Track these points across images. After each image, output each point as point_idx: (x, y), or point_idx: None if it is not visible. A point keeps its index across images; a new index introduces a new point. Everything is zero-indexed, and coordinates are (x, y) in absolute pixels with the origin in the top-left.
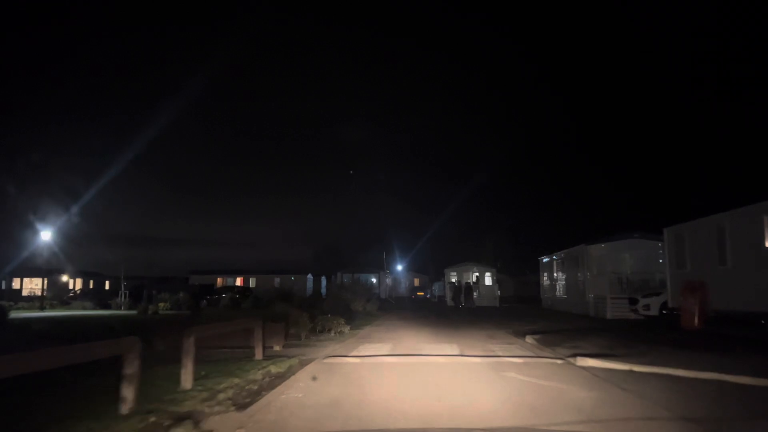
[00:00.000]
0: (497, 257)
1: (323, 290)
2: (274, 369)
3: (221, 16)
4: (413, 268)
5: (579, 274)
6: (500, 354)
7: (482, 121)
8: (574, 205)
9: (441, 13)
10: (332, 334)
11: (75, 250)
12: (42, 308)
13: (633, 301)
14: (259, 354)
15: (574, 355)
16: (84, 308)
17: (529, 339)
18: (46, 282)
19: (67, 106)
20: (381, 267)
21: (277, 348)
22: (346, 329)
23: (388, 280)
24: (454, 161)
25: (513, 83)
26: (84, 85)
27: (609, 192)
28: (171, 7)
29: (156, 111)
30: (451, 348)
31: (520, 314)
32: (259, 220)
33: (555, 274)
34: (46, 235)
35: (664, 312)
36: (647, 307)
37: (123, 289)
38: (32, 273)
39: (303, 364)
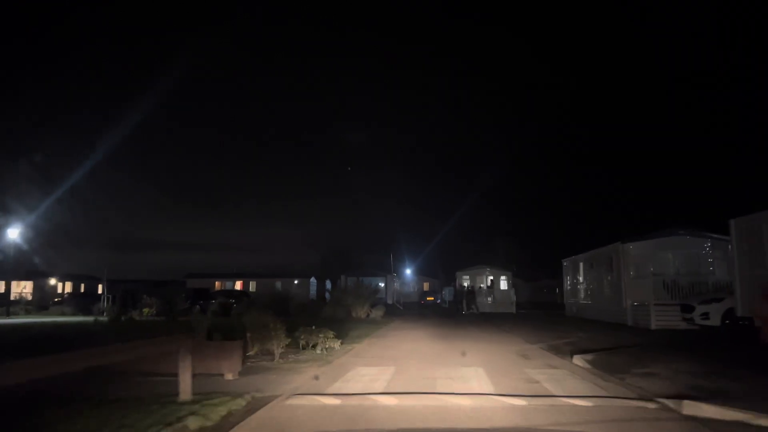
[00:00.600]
0: (510, 261)
1: (327, 295)
2: (194, 423)
3: (224, 16)
4: (423, 272)
5: (610, 277)
6: (552, 390)
7: (491, 123)
8: (583, 209)
9: (447, 14)
10: (318, 351)
11: (71, 253)
12: (8, 314)
13: (687, 309)
14: (185, 391)
15: (676, 397)
16: (63, 314)
17: (578, 360)
18: (30, 285)
19: (66, 106)
20: (389, 271)
21: (229, 376)
22: (337, 344)
23: (396, 284)
24: (464, 164)
25: (521, 84)
26: (84, 85)
27: (617, 195)
28: (173, 7)
29: (164, 113)
30: (477, 377)
31: (545, 323)
32: (266, 224)
33: (581, 278)
34: (13, 233)
35: (727, 322)
36: (706, 315)
37: (105, 293)
38: (20, 276)
39: (251, 409)
